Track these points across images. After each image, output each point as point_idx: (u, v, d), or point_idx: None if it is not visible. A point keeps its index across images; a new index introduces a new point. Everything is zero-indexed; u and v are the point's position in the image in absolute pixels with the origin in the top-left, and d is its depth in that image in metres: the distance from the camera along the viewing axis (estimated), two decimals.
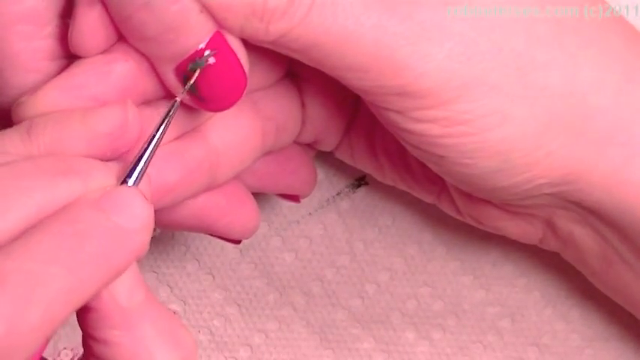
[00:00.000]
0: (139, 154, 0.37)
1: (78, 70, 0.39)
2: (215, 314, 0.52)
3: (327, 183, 0.52)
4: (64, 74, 0.39)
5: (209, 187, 0.43)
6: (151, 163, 0.38)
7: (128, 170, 0.37)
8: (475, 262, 0.52)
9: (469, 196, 0.45)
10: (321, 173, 0.51)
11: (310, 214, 0.52)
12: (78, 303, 0.34)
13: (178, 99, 0.39)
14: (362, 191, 0.52)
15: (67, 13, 0.40)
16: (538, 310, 0.52)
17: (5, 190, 0.34)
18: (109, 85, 0.39)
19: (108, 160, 0.38)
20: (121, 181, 0.37)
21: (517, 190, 0.42)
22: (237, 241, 0.47)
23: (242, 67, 0.39)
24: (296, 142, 0.47)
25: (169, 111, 0.38)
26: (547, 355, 0.52)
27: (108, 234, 0.35)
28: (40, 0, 0.39)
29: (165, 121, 0.38)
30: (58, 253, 0.34)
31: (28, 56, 0.39)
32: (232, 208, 0.44)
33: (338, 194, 0.52)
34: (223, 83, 0.39)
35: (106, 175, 0.37)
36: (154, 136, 0.37)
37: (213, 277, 0.52)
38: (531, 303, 0.52)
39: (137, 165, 0.37)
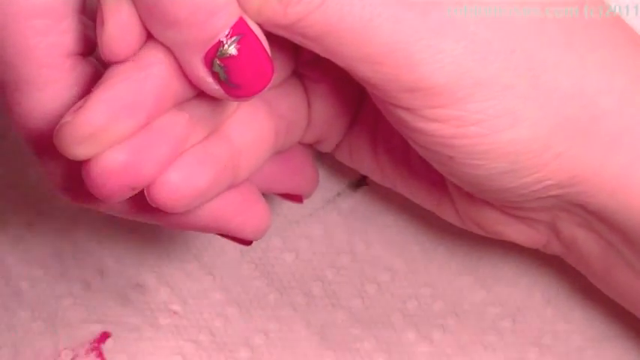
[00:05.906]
0: None
1: (116, 79, 0.38)
2: (215, 314, 0.52)
3: (327, 183, 0.52)
4: (104, 86, 0.38)
5: (230, 187, 0.42)
6: (182, 168, 0.39)
7: None
8: (476, 262, 0.52)
9: (471, 199, 0.45)
10: (322, 173, 0.51)
11: (310, 214, 0.52)
12: None
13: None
14: (362, 191, 0.52)
15: (82, 9, 0.40)
16: (539, 311, 0.52)
17: None
18: (147, 91, 0.38)
19: None
20: None
21: (524, 191, 0.42)
22: (249, 242, 0.46)
23: (266, 51, 0.39)
24: (299, 142, 0.47)
25: None
26: (548, 356, 0.52)
27: None
28: None
29: None
30: None
31: (43, 51, 0.39)
32: (245, 208, 0.44)
33: (338, 194, 0.52)
34: (252, 67, 0.38)
35: None
36: None
37: (214, 277, 0.52)
38: (532, 303, 0.52)
39: None
